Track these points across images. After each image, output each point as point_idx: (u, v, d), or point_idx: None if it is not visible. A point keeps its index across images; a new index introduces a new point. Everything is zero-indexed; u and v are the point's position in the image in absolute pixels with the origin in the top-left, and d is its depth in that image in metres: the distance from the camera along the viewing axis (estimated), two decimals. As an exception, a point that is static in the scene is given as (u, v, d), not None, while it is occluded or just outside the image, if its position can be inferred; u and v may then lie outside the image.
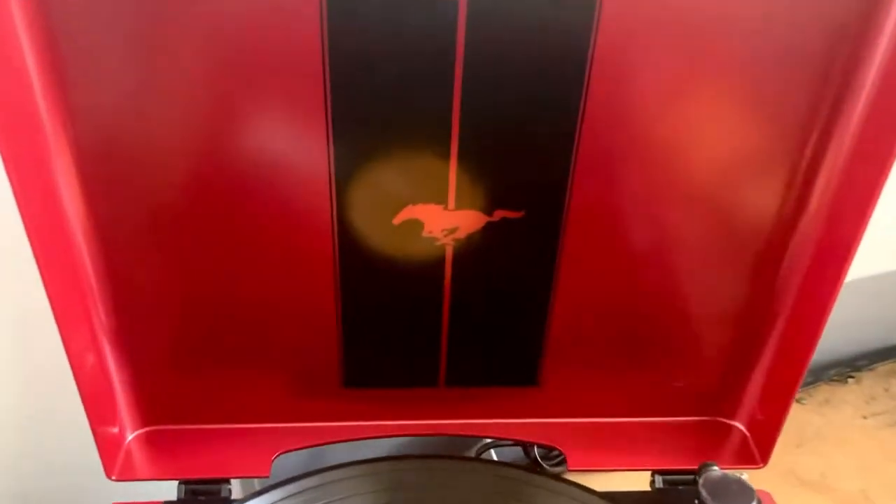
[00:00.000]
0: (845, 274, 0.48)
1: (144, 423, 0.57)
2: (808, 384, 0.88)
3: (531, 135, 0.46)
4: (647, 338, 0.56)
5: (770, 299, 0.54)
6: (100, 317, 0.51)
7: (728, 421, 0.60)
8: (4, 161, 0.40)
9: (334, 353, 0.55)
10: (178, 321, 0.53)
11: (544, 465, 0.67)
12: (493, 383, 0.58)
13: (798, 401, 0.86)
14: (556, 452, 0.62)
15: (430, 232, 0.50)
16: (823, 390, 0.88)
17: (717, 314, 0.55)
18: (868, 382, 0.89)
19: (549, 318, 0.54)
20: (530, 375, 0.57)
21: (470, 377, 0.57)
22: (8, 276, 0.57)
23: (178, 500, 0.54)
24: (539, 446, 0.59)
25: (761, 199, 0.50)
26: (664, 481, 0.57)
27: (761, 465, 0.57)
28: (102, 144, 0.45)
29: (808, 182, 0.49)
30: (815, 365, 0.90)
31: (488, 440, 0.65)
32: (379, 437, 0.58)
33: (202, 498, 0.54)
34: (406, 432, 0.58)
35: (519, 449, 0.69)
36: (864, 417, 0.84)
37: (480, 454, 0.67)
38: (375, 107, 0.44)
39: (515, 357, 0.57)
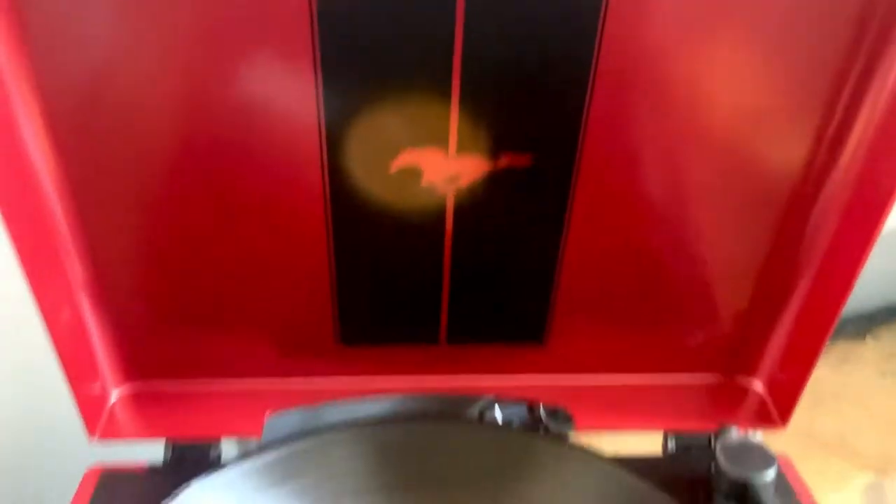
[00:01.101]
0: (879, 230, 0.45)
1: (128, 380, 0.54)
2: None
3: (541, 71, 0.42)
4: (661, 292, 0.53)
5: (796, 254, 0.50)
6: (74, 270, 0.48)
7: (747, 380, 0.57)
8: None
9: (328, 310, 0.52)
10: (159, 274, 0.50)
11: (550, 425, 0.64)
12: (496, 340, 0.55)
13: (815, 358, 0.83)
14: (562, 412, 0.59)
15: (430, 180, 0.46)
16: (840, 348, 0.84)
17: (737, 269, 0.52)
18: (887, 339, 0.86)
19: (557, 271, 0.51)
20: (537, 332, 0.54)
21: (472, 334, 0.54)
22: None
23: (165, 461, 0.51)
24: (545, 406, 0.56)
25: (789, 148, 0.46)
26: (677, 443, 0.54)
27: (781, 426, 0.54)
28: (70, 91, 0.41)
29: (842, 132, 0.45)
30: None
31: (491, 399, 0.62)
32: (377, 396, 0.55)
33: (190, 459, 0.51)
34: (405, 390, 0.55)
35: (524, 408, 0.66)
36: (884, 376, 0.81)
37: (483, 413, 0.65)
38: (367, 38, 0.40)
39: (521, 313, 0.53)
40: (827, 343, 0.84)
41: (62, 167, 0.44)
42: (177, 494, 0.46)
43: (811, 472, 0.52)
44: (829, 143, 0.46)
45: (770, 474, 0.46)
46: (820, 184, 0.48)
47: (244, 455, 0.49)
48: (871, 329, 0.87)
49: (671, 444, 0.54)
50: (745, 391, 0.56)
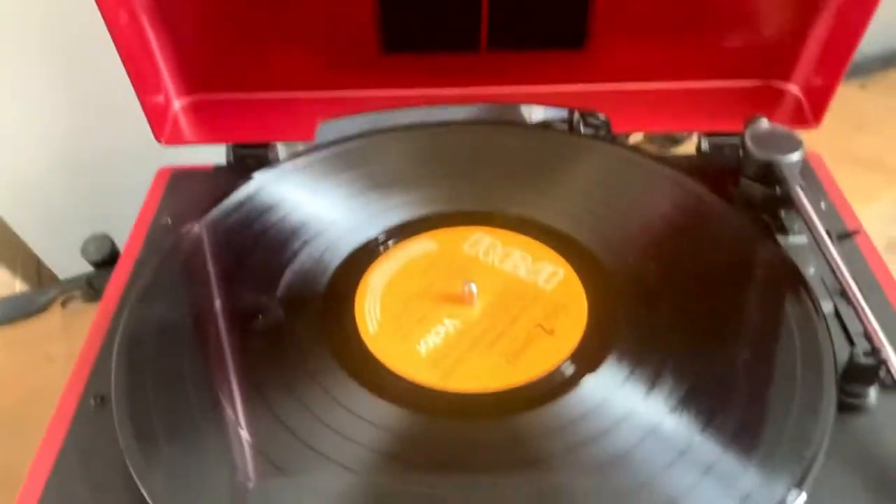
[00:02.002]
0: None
1: (189, 91, 0.58)
2: (875, 71, 0.84)
3: None
4: (700, -4, 0.53)
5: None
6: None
7: (782, 83, 0.57)
8: None
9: (370, 17, 0.53)
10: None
11: (587, 127, 0.65)
12: (536, 46, 0.56)
13: (862, 86, 0.82)
14: (600, 115, 0.60)
15: None
16: (891, 77, 0.84)
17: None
18: (938, 70, 0.84)
19: (595, -30, 0.51)
20: (576, 36, 0.55)
21: (512, 39, 0.55)
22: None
23: (228, 162, 0.56)
24: (583, 110, 0.57)
25: None
26: (710, 144, 0.56)
27: (815, 125, 0.55)
28: None
29: None
30: (886, 51, 0.85)
31: (532, 105, 0.64)
32: (421, 105, 0.58)
33: (250, 160, 0.55)
34: (448, 99, 0.58)
35: (564, 112, 0.67)
36: (930, 104, 0.80)
37: (524, 118, 0.66)
38: None
39: (560, 16, 0.54)
40: (878, 73, 0.84)
41: None
42: (243, 183, 0.50)
43: (846, 186, 0.53)
44: None
45: (796, 156, 0.48)
46: None
47: (299, 153, 0.53)
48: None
49: (704, 145, 0.56)
50: (781, 93, 0.57)
